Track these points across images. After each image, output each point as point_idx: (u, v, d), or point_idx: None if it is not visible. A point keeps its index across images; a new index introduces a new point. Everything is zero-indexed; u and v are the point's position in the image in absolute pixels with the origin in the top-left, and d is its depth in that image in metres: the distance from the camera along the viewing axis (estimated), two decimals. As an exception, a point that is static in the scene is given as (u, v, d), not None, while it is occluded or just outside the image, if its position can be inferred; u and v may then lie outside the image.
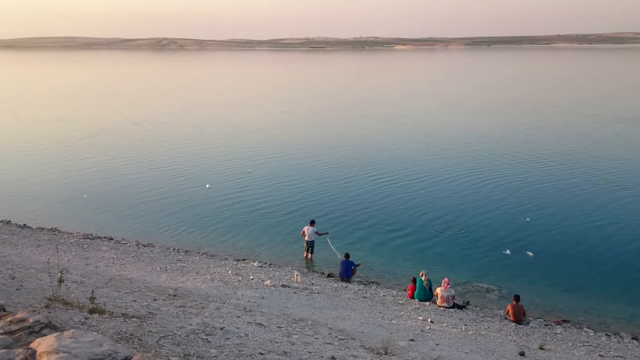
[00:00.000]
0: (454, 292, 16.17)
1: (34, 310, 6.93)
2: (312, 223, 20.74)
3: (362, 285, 17.79)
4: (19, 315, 3.75)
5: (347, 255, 18.78)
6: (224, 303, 13.21)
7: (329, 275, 18.82)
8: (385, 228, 23.31)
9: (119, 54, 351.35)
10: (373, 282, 18.31)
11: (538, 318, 15.82)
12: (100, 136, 44.40)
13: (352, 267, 18.45)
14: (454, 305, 16.02)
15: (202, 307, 12.06)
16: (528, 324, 15.21)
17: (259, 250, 21.22)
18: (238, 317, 11.61)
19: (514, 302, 15.43)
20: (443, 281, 16.18)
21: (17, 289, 10.44)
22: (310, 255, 20.48)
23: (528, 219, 23.94)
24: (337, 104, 69.09)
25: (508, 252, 20.53)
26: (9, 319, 3.75)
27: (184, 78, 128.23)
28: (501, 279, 18.57)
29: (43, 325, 3.68)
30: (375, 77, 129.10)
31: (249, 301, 14.10)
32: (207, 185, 29.14)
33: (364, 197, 27.56)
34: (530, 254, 20.39)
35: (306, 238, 20.48)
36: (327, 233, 21.14)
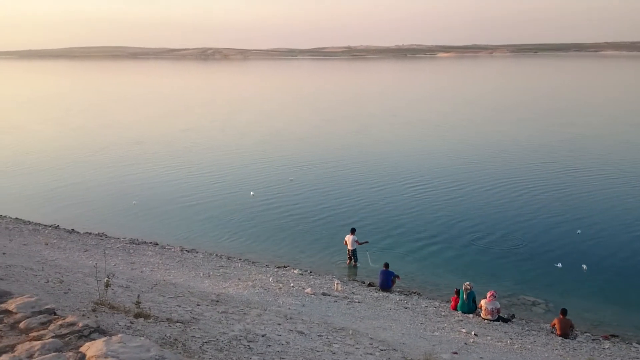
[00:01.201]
0: (498, 305, 15.79)
1: (83, 315, 7.10)
2: (353, 231, 20.74)
3: (403, 296, 17.59)
4: (69, 319, 3.84)
5: (386, 265, 18.60)
6: (265, 310, 13.25)
7: (370, 285, 18.68)
8: (428, 237, 23.02)
9: (165, 64, 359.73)
10: (414, 293, 18.07)
11: (585, 332, 15.30)
12: (149, 143, 45.46)
13: (392, 277, 18.27)
14: (499, 318, 15.64)
15: (244, 314, 12.12)
16: (575, 338, 14.71)
17: (300, 257, 21.27)
18: (279, 324, 11.62)
19: (561, 316, 14.96)
20: (488, 293, 15.83)
21: (65, 293, 10.72)
22: (354, 263, 20.48)
23: (579, 231, 23.20)
24: (378, 111, 68.84)
25: (560, 265, 19.89)
26: (59, 322, 3.83)
27: (228, 87, 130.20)
28: (547, 292, 18.05)
29: (92, 329, 3.75)
30: (417, 85, 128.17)
31: (289, 309, 14.11)
32: (252, 193, 29.41)
33: (406, 206, 27.31)
34: (585, 267, 19.74)
35: (348, 247, 20.52)
36: (366, 242, 21.03)
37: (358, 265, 20.48)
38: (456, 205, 27.36)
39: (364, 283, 18.91)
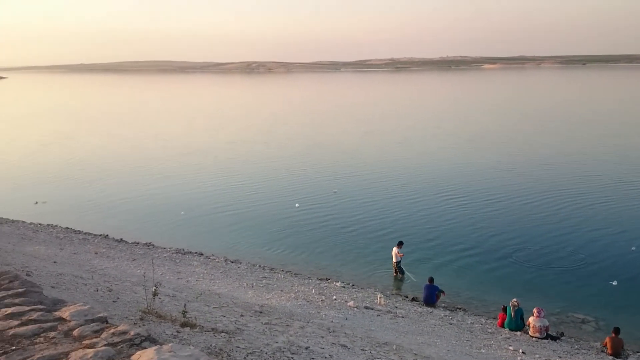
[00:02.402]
0: (547, 323, 15.33)
1: (134, 323, 7.23)
2: (400, 244, 20.61)
3: (448, 311, 17.28)
4: (121, 328, 3.91)
5: (431, 280, 18.33)
6: (308, 322, 13.23)
7: (413, 299, 18.44)
8: (473, 251, 22.60)
9: (211, 77, 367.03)
10: (460, 309, 17.73)
11: (638, 352, 14.68)
12: (196, 155, 46.35)
13: (437, 292, 17.98)
14: (547, 336, 15.17)
15: (287, 325, 12.13)
16: (627, 358, 14.13)
17: (342, 270, 21.19)
18: (322, 337, 11.57)
19: (613, 335, 14.40)
20: (534, 310, 15.39)
21: (113, 301, 10.96)
22: (400, 275, 20.33)
23: (633, 248, 22.33)
24: (421, 123, 68.30)
25: (615, 283, 19.16)
26: (112, 330, 3.91)
27: (271, 99, 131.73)
28: (597, 310, 17.42)
29: (143, 338, 3.81)
30: (461, 97, 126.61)
31: (332, 321, 14.04)
32: (297, 205, 29.55)
33: (451, 218, 26.92)
34: (615, 282, 19.04)
35: (394, 259, 20.43)
36: (401, 255, 20.77)
37: (405, 278, 20.28)
38: (502, 218, 26.82)
39: (407, 297, 18.69)
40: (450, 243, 23.67)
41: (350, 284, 19.41)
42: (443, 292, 18.07)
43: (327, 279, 19.84)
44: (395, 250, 20.44)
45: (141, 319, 8.93)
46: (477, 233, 24.75)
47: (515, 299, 15.91)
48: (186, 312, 9.63)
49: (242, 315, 12.44)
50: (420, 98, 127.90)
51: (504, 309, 16.08)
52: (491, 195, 31.05)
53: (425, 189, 32.93)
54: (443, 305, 17.93)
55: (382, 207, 29.16)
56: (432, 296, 17.88)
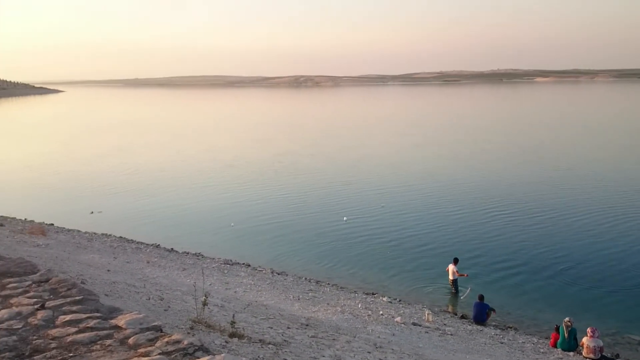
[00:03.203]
0: (601, 343, 14.72)
1: (188, 333, 7.34)
2: (455, 261, 20.31)
3: (498, 330, 16.84)
4: (175, 337, 3.98)
5: (481, 297, 17.91)
6: (354, 337, 13.13)
7: (462, 317, 18.06)
8: (525, 269, 22.00)
9: (260, 91, 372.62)
10: (511, 327, 17.25)
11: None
12: (245, 167, 47.01)
13: (487, 310, 17.56)
14: (602, 358, 14.58)
15: (334, 339, 12.07)
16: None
17: (389, 285, 20.99)
18: (369, 352, 11.46)
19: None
20: (588, 330, 14.82)
21: (165, 310, 11.16)
22: (457, 293, 20.00)
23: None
24: (470, 136, 67.26)
25: None
26: (166, 339, 3.99)
27: (318, 112, 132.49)
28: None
29: (196, 347, 3.87)
30: (512, 110, 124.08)
31: (379, 337, 13.89)
32: (345, 219, 29.51)
33: (502, 234, 26.34)
34: None
35: (450, 276, 20.13)
36: (465, 275, 20.42)
37: (460, 296, 19.94)
38: (554, 234, 26.05)
39: (456, 315, 18.32)
40: (501, 259, 23.13)
41: (397, 299, 19.19)
42: (494, 310, 17.64)
43: (373, 294, 19.69)
44: (451, 267, 20.15)
45: (191, 328, 9.07)
46: (528, 249, 24.10)
47: (568, 318, 15.38)
48: (234, 322, 9.72)
49: (288, 328, 12.46)
50: (469, 111, 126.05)
51: (557, 329, 15.56)
52: (542, 210, 30.21)
53: (474, 203, 32.34)
54: (493, 323, 17.49)
55: (430, 222, 28.79)
56: (482, 314, 17.47)
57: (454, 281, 20.18)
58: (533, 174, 41.27)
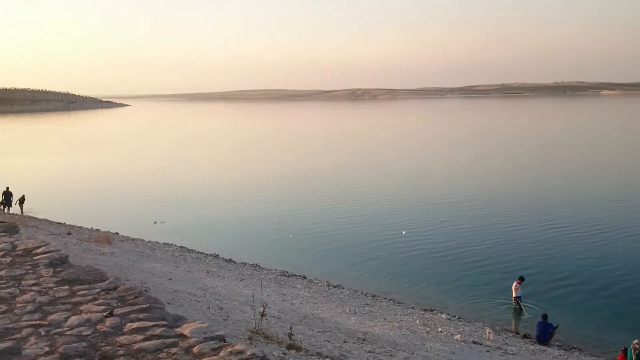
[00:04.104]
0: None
1: (250, 343, 7.41)
2: (521, 279, 19.73)
3: (562, 351, 16.17)
4: (238, 347, 4.02)
5: (544, 317, 17.27)
6: (412, 354, 12.90)
7: (525, 336, 17.47)
8: (591, 287, 21.12)
9: (318, 104, 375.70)
10: (575, 348, 16.55)
11: None
12: (304, 179, 47.44)
13: (550, 330, 16.91)
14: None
15: (391, 355, 11.90)
16: None
17: (447, 301, 20.56)
18: (427, 370, 11.23)
19: None
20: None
21: (224, 320, 11.32)
22: (521, 310, 19.45)
23: None
24: (532, 150, 65.40)
25: None
26: (229, 349, 4.03)
27: (375, 125, 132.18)
28: None
29: (259, 358, 3.89)
30: (577, 123, 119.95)
31: (438, 355, 13.59)
32: (404, 232, 29.22)
33: (565, 250, 25.42)
34: None
35: (513, 294, 19.59)
36: (517, 296, 19.79)
37: (523, 314, 19.34)
38: (622, 253, 24.93)
39: (518, 334, 17.74)
40: (564, 276, 22.31)
41: (457, 317, 18.75)
42: (557, 325, 16.99)
43: (431, 310, 19.32)
44: (515, 284, 19.62)
45: (249, 339, 9.14)
46: (593, 266, 23.13)
47: (636, 341, 14.60)
48: (292, 334, 9.74)
49: (345, 342, 12.38)
50: (531, 124, 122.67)
51: (624, 351, 14.79)
52: (608, 227, 28.95)
53: (537, 218, 31.33)
54: (557, 343, 16.82)
55: (490, 237, 28.09)
56: (545, 334, 16.84)
57: (518, 298, 19.56)
58: (598, 190, 39.71)
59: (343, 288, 21.52)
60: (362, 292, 21.03)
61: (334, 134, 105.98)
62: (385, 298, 20.55)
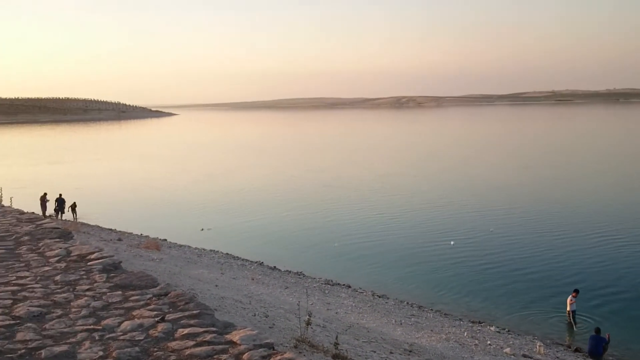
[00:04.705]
0: None
1: (300, 352, 7.40)
2: (576, 292, 19.12)
3: (616, 366, 15.54)
4: (287, 355, 4.00)
5: (597, 330, 16.63)
6: (460, 366, 12.63)
7: (576, 350, 16.91)
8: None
9: (361, 112, 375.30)
10: (630, 364, 15.88)
11: None
12: (349, 187, 47.35)
13: (604, 344, 16.26)
14: None
15: (439, 368, 11.68)
16: None
17: (496, 314, 20.08)
18: (476, 383, 10.95)
19: None
20: None
21: (269, 327, 11.34)
22: (574, 325, 18.86)
23: None
24: (582, 158, 63.49)
25: None
26: (278, 357, 4.01)
27: (419, 133, 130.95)
28: None
29: (309, 369, 3.84)
30: (631, 131, 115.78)
31: (486, 368, 13.27)
32: (452, 243, 28.74)
33: (619, 262, 24.51)
34: None
35: (568, 307, 19.00)
36: (571, 310, 19.13)
37: (576, 328, 18.72)
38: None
39: (570, 348, 17.16)
40: (621, 290, 21.50)
41: (506, 329, 18.28)
42: (609, 341, 16.33)
43: (480, 322, 18.90)
44: (570, 298, 19.04)
45: (295, 347, 9.13)
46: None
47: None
48: (338, 344, 9.67)
49: (391, 353, 12.22)
50: (584, 132, 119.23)
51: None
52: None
53: (591, 230, 30.29)
54: (610, 358, 16.18)
55: (541, 249, 27.32)
56: (598, 348, 16.19)
57: (572, 312, 18.92)
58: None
59: (388, 298, 21.31)
60: (407, 303, 20.76)
61: (377, 141, 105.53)
62: (432, 309, 20.23)
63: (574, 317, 18.91)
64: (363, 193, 44.78)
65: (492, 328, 18.13)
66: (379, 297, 21.38)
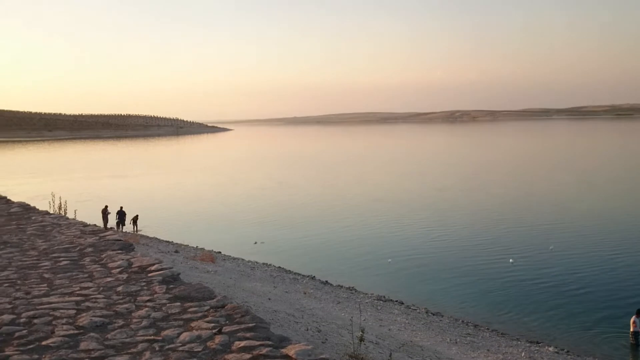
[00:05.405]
0: None
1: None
2: (638, 313, 18.31)
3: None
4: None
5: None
6: (518, 388, 12.23)
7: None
8: None
9: (413, 127, 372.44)
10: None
11: None
12: (404, 202, 47.01)
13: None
14: None
15: (495, 389, 11.34)
16: None
17: (555, 334, 19.40)
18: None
19: None
20: None
21: (322, 342, 11.33)
22: (637, 346, 18.06)
23: None
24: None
25: None
26: (334, 374, 3.97)
27: (473, 147, 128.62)
28: None
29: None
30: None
31: (546, 391, 12.79)
32: (511, 260, 27.98)
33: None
34: None
35: (631, 328, 18.21)
36: (635, 331, 18.25)
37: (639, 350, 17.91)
38: None
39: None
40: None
41: (565, 350, 17.62)
42: None
43: (538, 342, 18.28)
44: (634, 319, 18.23)
45: (348, 364, 9.08)
46: None
47: None
48: (392, 361, 9.56)
49: (446, 372, 11.98)
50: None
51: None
52: None
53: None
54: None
55: (603, 267, 26.30)
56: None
57: (635, 333, 18.06)
58: None
59: (443, 316, 20.91)
60: (463, 321, 20.31)
61: (429, 155, 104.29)
62: (488, 328, 19.72)
63: (637, 339, 18.07)
64: (416, 207, 44.29)
65: (551, 348, 17.50)
66: (433, 314, 21.02)
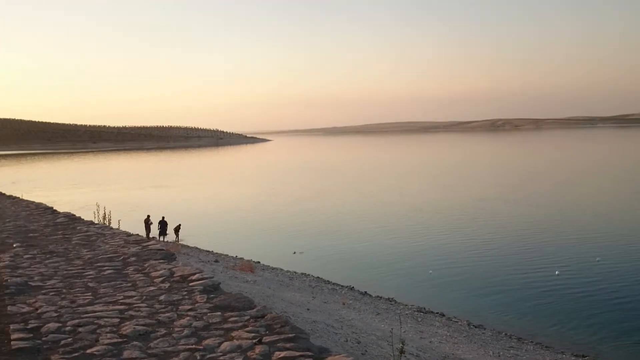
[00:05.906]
0: None
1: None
2: None
3: None
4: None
5: None
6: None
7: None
8: None
9: (455, 136, 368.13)
10: None
11: None
12: (446, 212, 46.34)
13: None
14: None
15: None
16: None
17: (601, 347, 18.75)
18: None
19: None
20: None
21: (362, 354, 11.25)
22: None
23: None
24: None
25: None
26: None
27: (515, 156, 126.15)
28: None
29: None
30: None
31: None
32: (557, 272, 27.27)
33: None
34: None
35: None
36: None
37: None
38: None
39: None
40: None
41: (612, 365, 17.01)
42: None
43: (583, 356, 17.71)
44: None
45: (389, 376, 8.97)
46: None
47: None
48: (433, 375, 9.40)
49: (489, 386, 11.70)
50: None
51: None
52: None
53: None
54: None
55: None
56: None
57: None
58: None
59: (485, 328, 20.48)
60: (506, 334, 19.85)
61: (470, 165, 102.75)
62: (531, 341, 19.20)
63: None
64: (458, 217, 43.64)
65: (598, 364, 16.93)
66: (475, 327, 20.61)
